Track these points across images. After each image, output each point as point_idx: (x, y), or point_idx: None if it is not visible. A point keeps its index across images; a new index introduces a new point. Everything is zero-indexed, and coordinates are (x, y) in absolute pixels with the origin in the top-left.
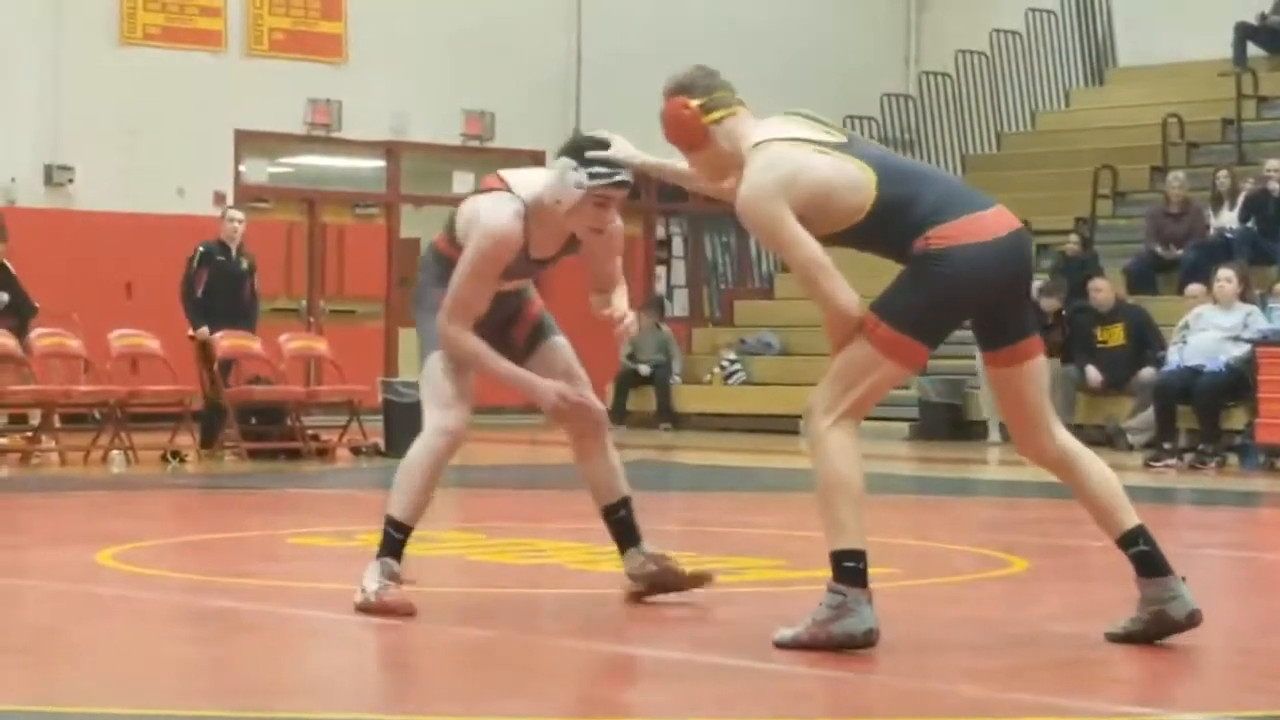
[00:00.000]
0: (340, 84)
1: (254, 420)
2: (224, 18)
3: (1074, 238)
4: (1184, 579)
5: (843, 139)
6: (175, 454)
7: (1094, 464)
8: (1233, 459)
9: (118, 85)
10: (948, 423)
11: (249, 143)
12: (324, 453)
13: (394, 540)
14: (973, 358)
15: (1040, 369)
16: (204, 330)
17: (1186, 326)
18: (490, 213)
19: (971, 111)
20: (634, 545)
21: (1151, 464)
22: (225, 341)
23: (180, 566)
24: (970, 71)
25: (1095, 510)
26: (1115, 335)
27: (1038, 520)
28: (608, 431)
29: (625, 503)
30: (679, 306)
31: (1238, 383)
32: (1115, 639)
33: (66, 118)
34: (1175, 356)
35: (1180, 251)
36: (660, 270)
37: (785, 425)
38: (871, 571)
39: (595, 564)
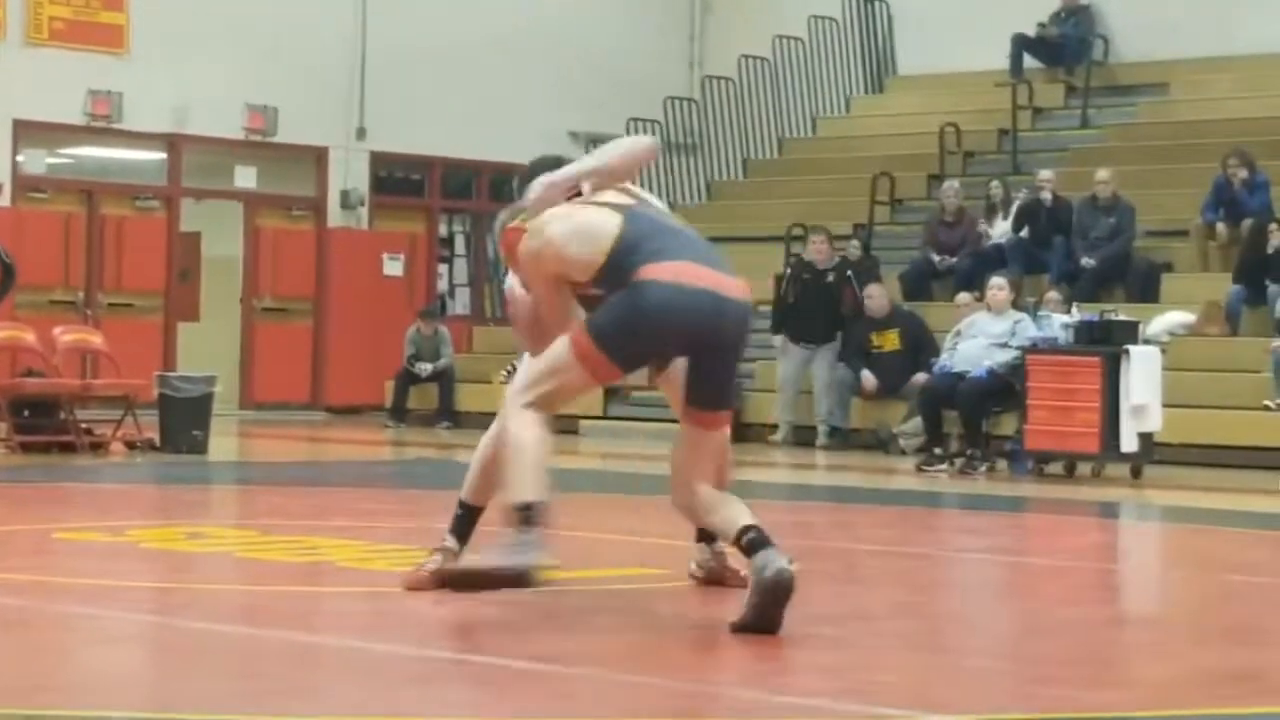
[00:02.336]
0: (121, 75)
1: (26, 413)
2: (3, 6)
3: (855, 243)
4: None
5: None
6: None
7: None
8: (1003, 464)
9: None
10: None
11: (27, 133)
12: (98, 447)
13: None
14: (752, 360)
15: (710, 443)
16: None
17: (959, 333)
18: None
19: (754, 116)
20: (709, 541)
21: (923, 469)
22: None
23: None
24: (753, 76)
25: None
26: (890, 341)
27: (805, 524)
28: None
29: None
30: (460, 305)
31: (1000, 389)
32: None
33: None
34: (946, 361)
35: (955, 260)
36: (442, 268)
37: (564, 425)
38: (647, 571)
39: (369, 562)
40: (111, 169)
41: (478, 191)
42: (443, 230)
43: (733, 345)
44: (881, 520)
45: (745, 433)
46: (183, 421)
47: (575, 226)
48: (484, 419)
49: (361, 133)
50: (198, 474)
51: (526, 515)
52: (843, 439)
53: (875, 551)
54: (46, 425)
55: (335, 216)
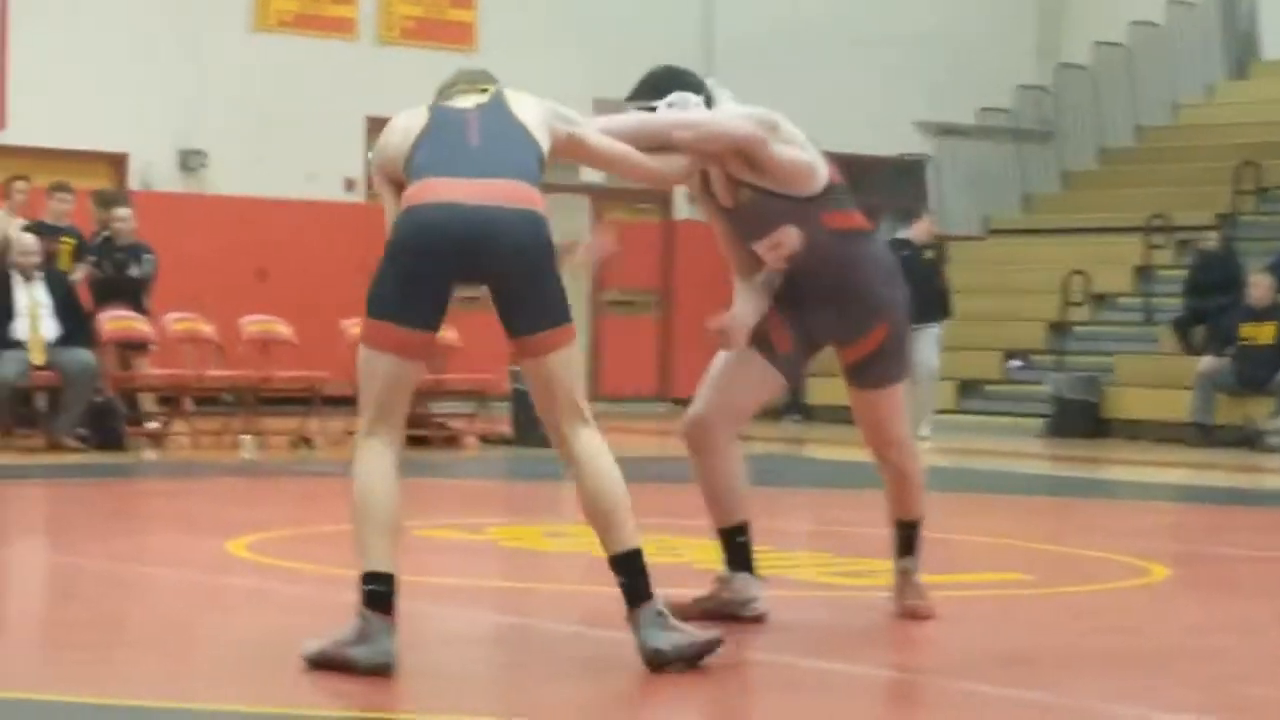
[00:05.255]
0: None
1: None
2: (356, 5)
3: (1214, 235)
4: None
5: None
6: (305, 440)
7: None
8: None
9: (251, 72)
10: (1083, 420)
11: (380, 130)
12: (452, 441)
13: None
14: (1109, 354)
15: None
16: None
17: None
18: None
19: (1110, 103)
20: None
21: None
22: None
23: (310, 558)
24: (1108, 63)
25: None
26: (1265, 333)
27: (1178, 526)
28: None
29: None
30: None
31: None
32: None
33: (200, 103)
34: None
35: None
36: None
37: None
38: (1004, 577)
39: None
40: None
41: None
42: None
43: (517, 259)
44: (1255, 523)
45: (1107, 428)
46: (536, 416)
47: (402, 123)
48: (834, 412)
49: None
50: (551, 469)
51: (370, 591)
52: (1206, 435)
53: (1252, 557)
54: None
55: (681, 209)
